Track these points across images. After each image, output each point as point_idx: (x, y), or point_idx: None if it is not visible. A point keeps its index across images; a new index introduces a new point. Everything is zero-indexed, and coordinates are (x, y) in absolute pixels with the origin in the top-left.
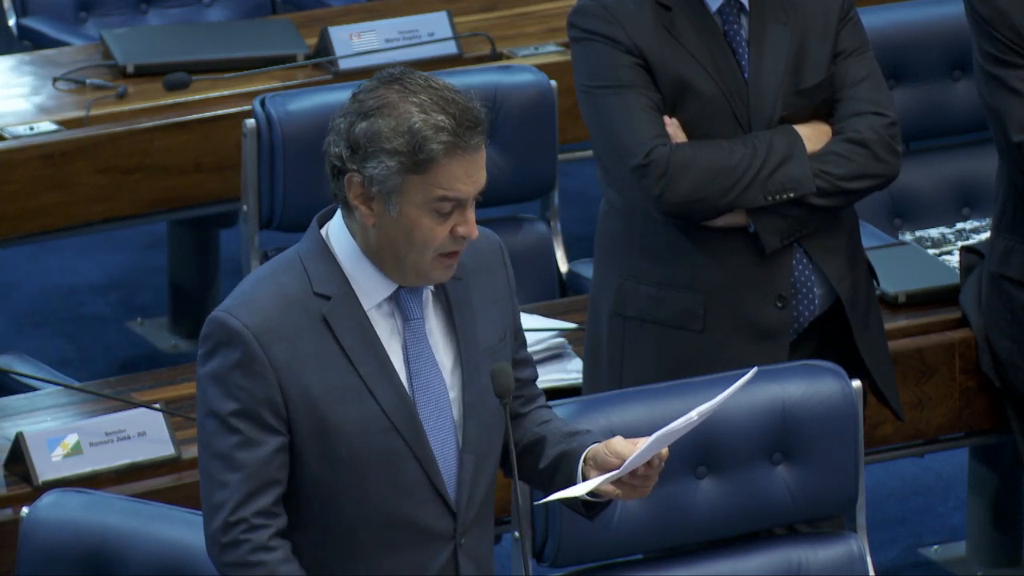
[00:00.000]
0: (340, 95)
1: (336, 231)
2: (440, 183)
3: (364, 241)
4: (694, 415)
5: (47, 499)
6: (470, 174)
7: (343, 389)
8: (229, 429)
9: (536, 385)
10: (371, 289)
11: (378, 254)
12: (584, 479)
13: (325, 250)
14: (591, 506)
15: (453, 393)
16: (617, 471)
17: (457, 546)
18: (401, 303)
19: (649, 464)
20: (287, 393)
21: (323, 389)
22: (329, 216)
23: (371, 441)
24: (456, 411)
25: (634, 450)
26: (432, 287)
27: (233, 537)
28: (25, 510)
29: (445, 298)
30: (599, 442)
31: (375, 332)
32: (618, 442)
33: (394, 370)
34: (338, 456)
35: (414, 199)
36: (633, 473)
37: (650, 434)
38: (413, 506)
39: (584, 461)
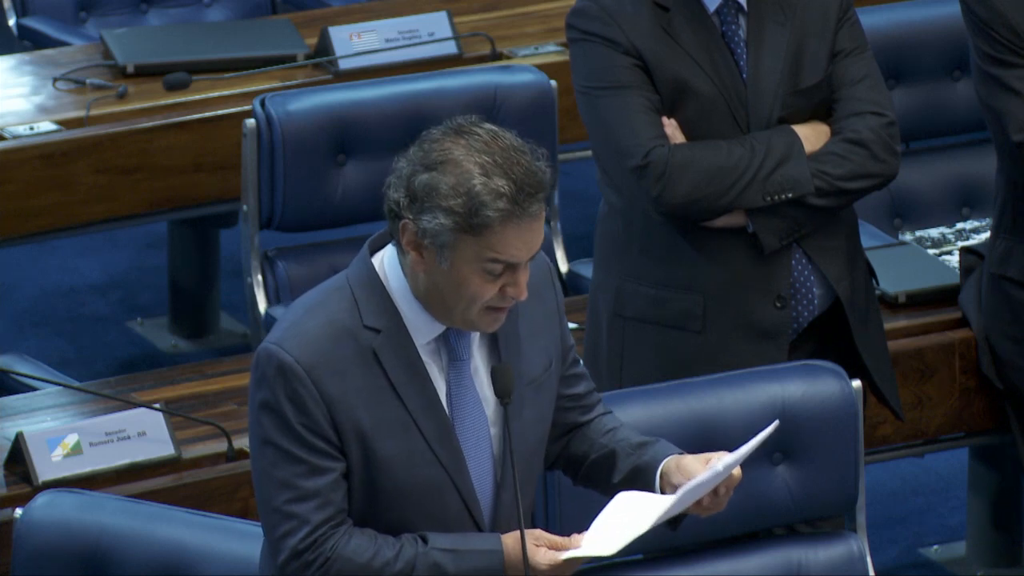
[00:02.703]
0: (340, 95)
1: (390, 264)
2: (493, 247)
3: (414, 283)
4: (719, 466)
5: (41, 499)
6: (525, 241)
7: (390, 422)
8: (292, 459)
9: (595, 394)
10: (421, 326)
11: (426, 298)
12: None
13: (376, 280)
14: (673, 519)
15: (495, 431)
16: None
17: None
18: (450, 343)
19: (715, 492)
20: (338, 425)
21: (372, 422)
22: (380, 242)
23: (415, 473)
24: (496, 446)
25: (704, 469)
26: None
27: (304, 561)
28: (19, 511)
29: (492, 334)
30: (671, 454)
31: (424, 366)
32: (690, 461)
33: (440, 403)
34: (382, 487)
35: (466, 257)
36: (699, 501)
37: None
38: None
39: (660, 477)
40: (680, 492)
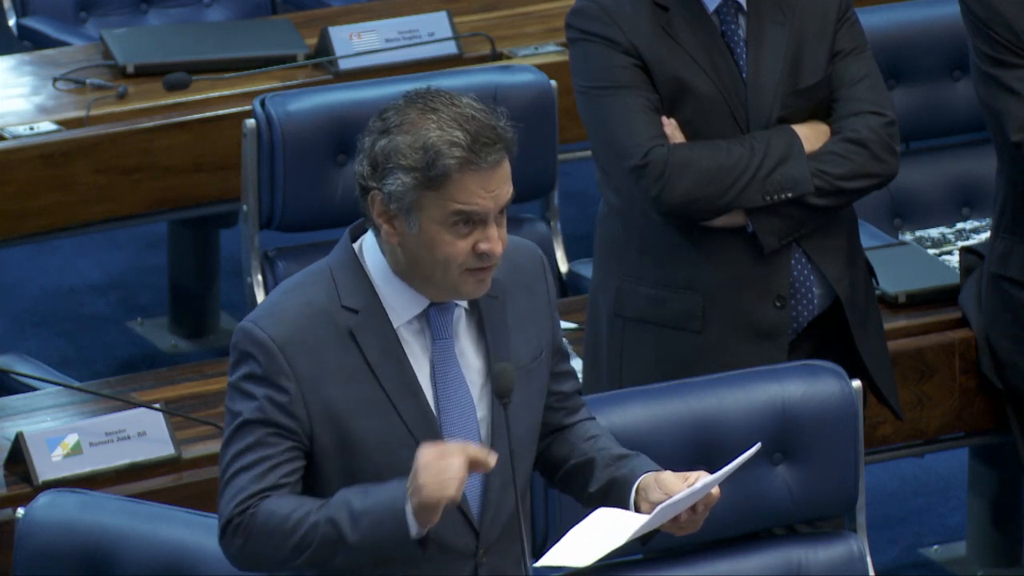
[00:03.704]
0: (340, 95)
1: (369, 247)
2: (455, 197)
3: (393, 259)
4: (698, 485)
5: (43, 499)
6: (488, 189)
7: (367, 403)
8: (244, 432)
9: (580, 397)
10: (400, 306)
11: (407, 272)
12: (636, 511)
13: (356, 263)
14: (645, 535)
15: (481, 413)
16: (640, 526)
17: (478, 564)
18: (431, 321)
19: (694, 509)
20: (309, 406)
21: (347, 403)
22: (361, 229)
23: (393, 456)
24: (484, 431)
25: (683, 487)
26: (466, 305)
27: (235, 524)
28: (21, 511)
29: (479, 316)
30: (649, 470)
31: (402, 348)
32: (669, 477)
33: (419, 386)
34: (360, 470)
35: (432, 215)
36: (676, 517)
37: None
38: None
39: (636, 492)
40: (657, 509)
